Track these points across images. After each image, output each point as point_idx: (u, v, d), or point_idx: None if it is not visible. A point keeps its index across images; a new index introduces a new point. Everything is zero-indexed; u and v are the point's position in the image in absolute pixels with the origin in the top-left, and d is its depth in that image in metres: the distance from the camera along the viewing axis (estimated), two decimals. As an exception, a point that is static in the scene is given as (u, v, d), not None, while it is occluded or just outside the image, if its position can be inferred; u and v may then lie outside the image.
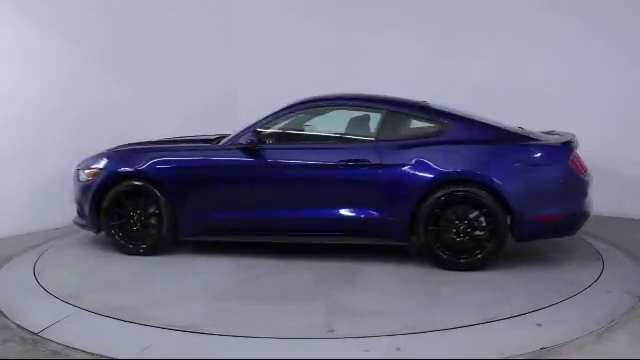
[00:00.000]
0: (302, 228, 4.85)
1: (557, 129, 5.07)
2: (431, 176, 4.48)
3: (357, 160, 4.64)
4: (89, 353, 3.19)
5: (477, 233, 4.45)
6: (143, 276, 4.61)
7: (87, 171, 5.24)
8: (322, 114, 5.25)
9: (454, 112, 4.87)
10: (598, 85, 6.36)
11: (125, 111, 6.92)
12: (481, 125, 4.72)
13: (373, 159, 4.62)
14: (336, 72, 7.68)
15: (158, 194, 4.98)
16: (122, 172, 5.08)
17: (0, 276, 4.67)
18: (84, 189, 5.20)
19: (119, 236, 5.11)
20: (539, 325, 3.44)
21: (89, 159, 5.37)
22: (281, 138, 5.07)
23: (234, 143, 4.96)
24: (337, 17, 7.87)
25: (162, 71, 7.39)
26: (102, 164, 5.20)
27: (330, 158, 4.72)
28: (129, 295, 4.13)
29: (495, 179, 4.38)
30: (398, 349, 3.16)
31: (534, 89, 6.60)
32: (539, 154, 4.53)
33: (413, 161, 4.54)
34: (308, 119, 5.26)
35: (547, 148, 4.55)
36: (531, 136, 4.65)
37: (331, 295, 4.04)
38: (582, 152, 4.68)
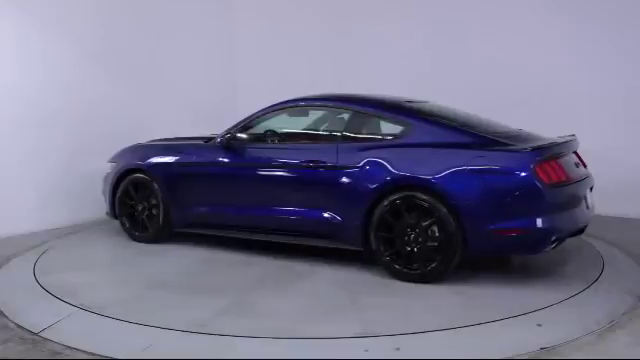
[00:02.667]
0: (266, 226, 4.94)
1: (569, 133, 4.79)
2: (381, 180, 4.29)
3: (316, 161, 4.61)
4: (89, 353, 3.19)
5: (429, 243, 4.15)
6: (119, 262, 5.18)
7: (109, 164, 5.77)
8: (302, 115, 5.26)
9: (426, 113, 4.65)
10: (599, 85, 6.35)
11: (125, 110, 6.93)
12: (448, 128, 4.42)
13: (331, 160, 4.55)
14: (338, 69, 7.71)
15: (156, 187, 5.35)
16: (129, 166, 5.57)
17: (0, 276, 4.67)
18: (105, 180, 5.76)
19: (127, 224, 5.59)
20: (539, 325, 3.44)
21: (115, 153, 5.83)
22: (256, 138, 5.14)
23: (214, 142, 5.20)
24: (339, 14, 7.88)
25: (162, 69, 7.41)
26: (119, 158, 5.73)
27: (293, 158, 4.76)
28: (87, 276, 4.59)
29: (444, 185, 4.08)
30: (398, 349, 3.16)
31: (535, 89, 6.61)
32: (498, 161, 4.06)
33: (366, 164, 4.39)
34: (287, 120, 5.26)
35: (508, 155, 4.09)
36: (505, 141, 4.21)
37: (250, 293, 4.11)
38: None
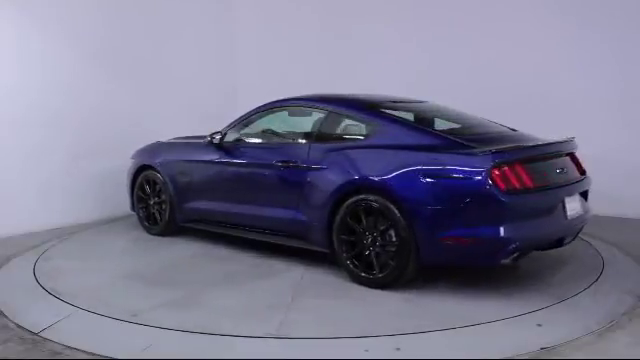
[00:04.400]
0: (246, 224, 5.05)
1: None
2: (341, 181, 4.24)
3: (288, 161, 4.63)
4: (89, 353, 3.19)
5: (386, 248, 4.03)
6: (117, 251, 5.47)
7: (131, 161, 6.09)
8: (290, 115, 5.29)
9: (395, 114, 4.55)
10: (598, 87, 6.34)
11: (126, 110, 6.93)
12: (414, 129, 4.31)
13: (302, 160, 4.54)
14: (338, 70, 7.71)
15: (164, 183, 5.63)
16: (142, 163, 5.90)
17: (0, 276, 4.67)
18: (127, 176, 6.07)
19: (142, 217, 5.92)
20: (539, 325, 3.44)
21: (136, 150, 6.13)
22: (241, 138, 5.24)
23: (205, 142, 5.37)
24: (338, 15, 7.87)
25: (163, 69, 7.39)
26: (137, 155, 6.06)
27: (270, 157, 4.78)
28: (74, 262, 4.99)
29: (396, 188, 3.94)
30: (398, 349, 3.16)
31: (535, 90, 6.60)
32: (452, 164, 3.84)
33: (330, 165, 4.35)
34: (274, 120, 5.31)
35: (462, 158, 3.84)
36: (469, 144, 3.98)
37: (208, 288, 4.24)
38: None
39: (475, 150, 3.88)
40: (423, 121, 4.74)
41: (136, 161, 6.00)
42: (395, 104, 4.89)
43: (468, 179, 3.76)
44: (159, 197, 5.74)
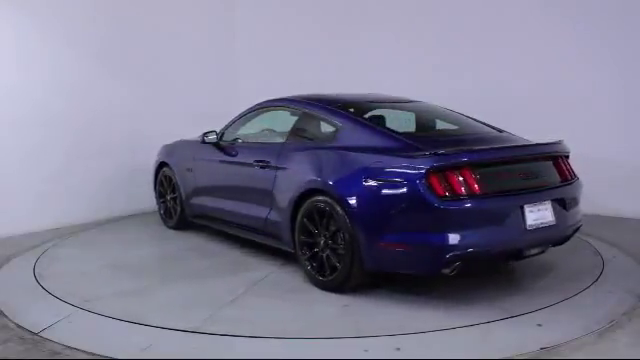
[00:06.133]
0: (233, 221, 5.16)
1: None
2: (299, 183, 4.25)
3: (262, 160, 4.68)
4: (89, 353, 3.19)
5: (338, 251, 3.96)
6: (117, 246, 5.56)
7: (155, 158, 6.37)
8: (290, 115, 5.24)
9: (359, 115, 4.49)
10: (598, 88, 6.33)
11: (127, 111, 6.92)
12: (373, 131, 4.18)
13: (273, 161, 4.59)
14: (338, 70, 7.70)
15: (176, 180, 5.92)
16: (160, 160, 6.21)
17: (0, 276, 4.68)
18: (153, 172, 6.36)
19: (161, 211, 6.28)
20: (539, 325, 3.44)
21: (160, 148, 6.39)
22: (234, 138, 5.36)
23: (201, 140, 5.52)
24: (339, 17, 7.87)
25: (164, 69, 7.39)
26: (159, 153, 6.31)
27: (250, 157, 4.86)
28: (72, 250, 5.35)
29: (341, 191, 3.89)
30: (398, 349, 3.16)
31: (534, 92, 6.60)
32: (392, 168, 3.72)
33: (293, 165, 4.39)
34: (268, 120, 5.44)
35: (400, 161, 3.71)
36: (420, 146, 3.82)
37: (172, 280, 4.44)
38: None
39: (418, 153, 3.71)
40: (421, 122, 4.74)
41: (158, 158, 6.27)
42: (379, 104, 4.87)
43: (404, 183, 3.61)
44: (174, 193, 6.01)
